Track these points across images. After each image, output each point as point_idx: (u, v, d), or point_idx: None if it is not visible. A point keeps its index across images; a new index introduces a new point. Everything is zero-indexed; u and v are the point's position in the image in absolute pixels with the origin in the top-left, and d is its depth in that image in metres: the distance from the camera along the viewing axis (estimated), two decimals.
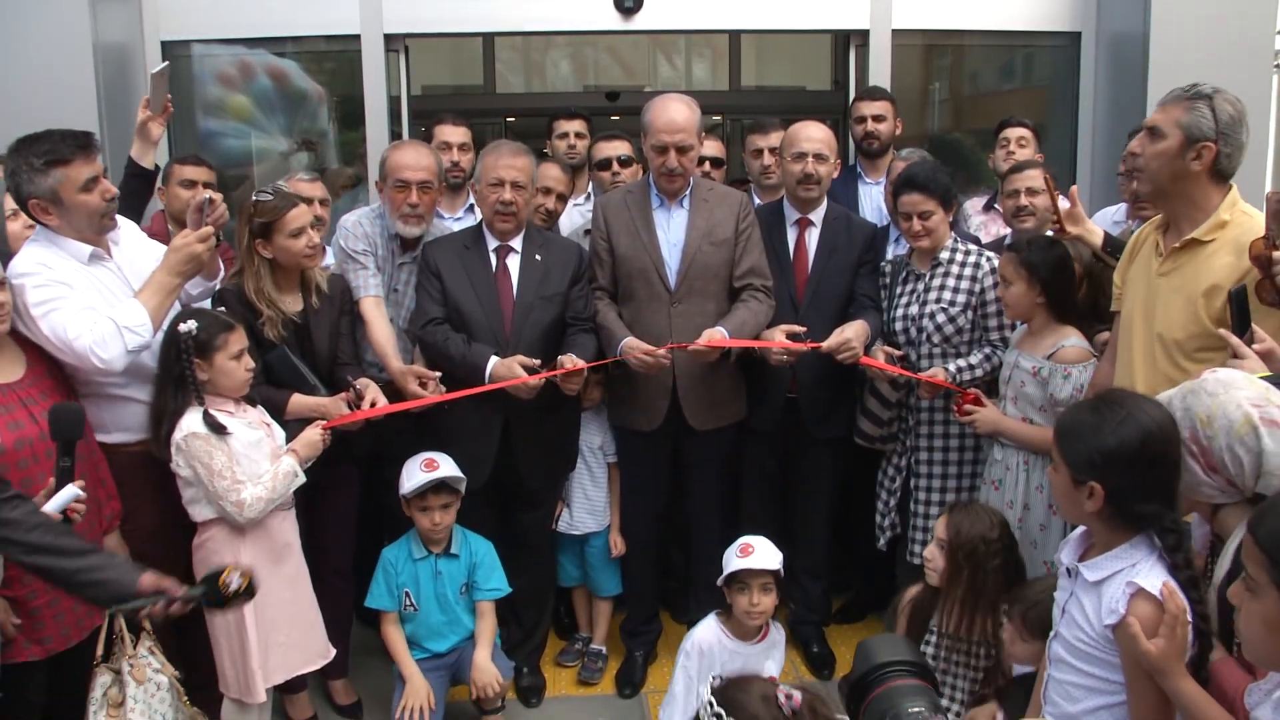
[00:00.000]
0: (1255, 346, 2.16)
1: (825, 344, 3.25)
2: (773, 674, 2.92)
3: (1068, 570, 2.02)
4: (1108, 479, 1.86)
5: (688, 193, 3.47)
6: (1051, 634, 2.06)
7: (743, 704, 2.06)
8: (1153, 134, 2.48)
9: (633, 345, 3.28)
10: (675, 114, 3.33)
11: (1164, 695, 1.80)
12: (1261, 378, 2.02)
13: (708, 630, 3.00)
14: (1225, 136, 2.42)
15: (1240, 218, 2.46)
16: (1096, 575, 1.92)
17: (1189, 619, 1.79)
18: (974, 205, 4.34)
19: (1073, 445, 1.93)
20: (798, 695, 2.04)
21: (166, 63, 3.50)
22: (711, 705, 2.10)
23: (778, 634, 3.07)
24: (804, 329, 3.32)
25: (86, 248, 2.77)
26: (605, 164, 4.07)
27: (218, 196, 2.89)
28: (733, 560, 2.92)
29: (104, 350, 2.62)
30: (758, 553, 2.91)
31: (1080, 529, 2.05)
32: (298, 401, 3.06)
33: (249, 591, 2.37)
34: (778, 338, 3.28)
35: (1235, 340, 2.19)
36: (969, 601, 2.70)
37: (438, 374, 3.23)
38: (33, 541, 2.14)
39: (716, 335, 3.23)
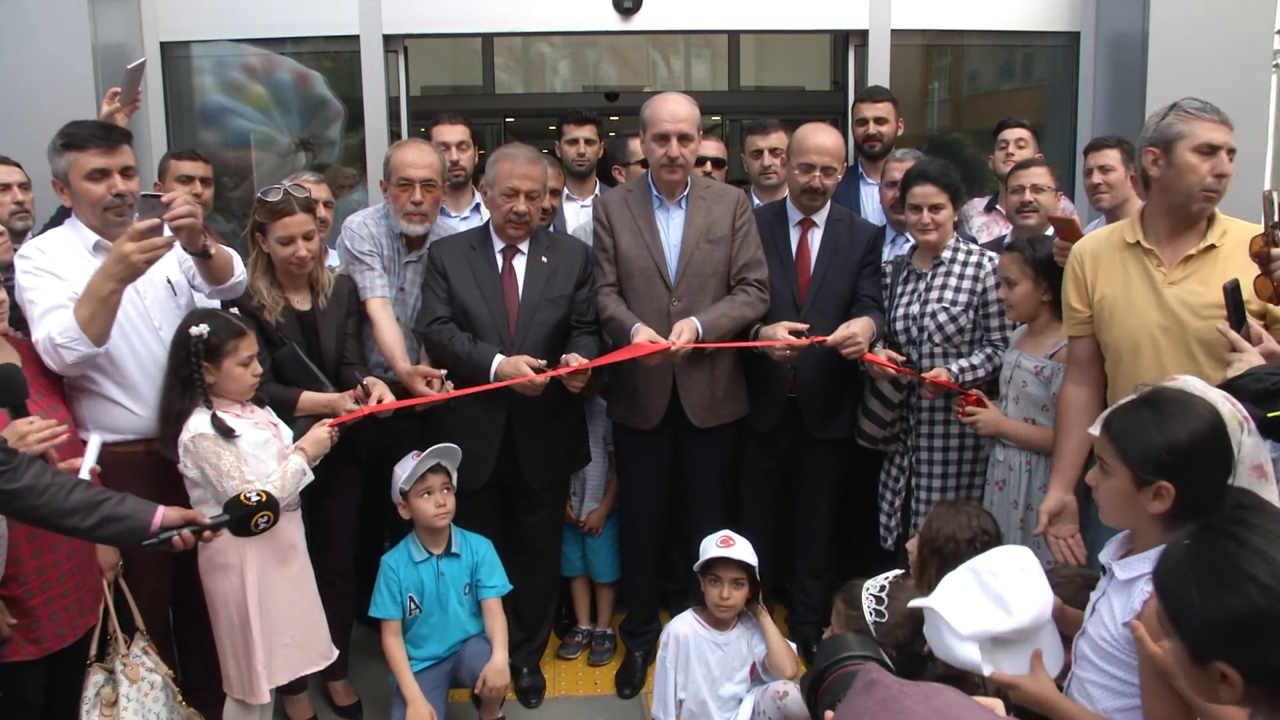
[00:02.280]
0: (1262, 342, 2.19)
1: (830, 338, 3.26)
2: (756, 660, 3.01)
3: (1103, 568, 2.00)
4: (1180, 475, 1.80)
5: (685, 193, 3.47)
6: (1079, 631, 2.04)
7: (899, 605, 2.29)
8: (1231, 154, 2.51)
9: (644, 331, 3.25)
10: (676, 106, 3.36)
11: (1180, 700, 1.78)
12: (1257, 370, 2.05)
13: (684, 622, 3.08)
14: None
15: (1230, 223, 2.55)
16: (1128, 574, 1.88)
17: None
18: (974, 206, 4.33)
19: (1136, 446, 1.85)
20: None
21: (143, 59, 3.50)
22: (884, 588, 2.36)
23: (750, 622, 3.07)
24: (806, 325, 3.32)
25: (94, 236, 2.79)
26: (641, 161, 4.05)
27: (172, 195, 2.65)
28: (711, 548, 2.98)
29: (46, 358, 2.64)
30: (736, 546, 2.96)
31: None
32: (308, 398, 3.07)
33: (270, 504, 2.43)
34: (780, 334, 3.28)
35: (1233, 335, 2.21)
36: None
37: (443, 372, 3.23)
38: (49, 505, 2.18)
39: (688, 331, 3.23)
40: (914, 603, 2.07)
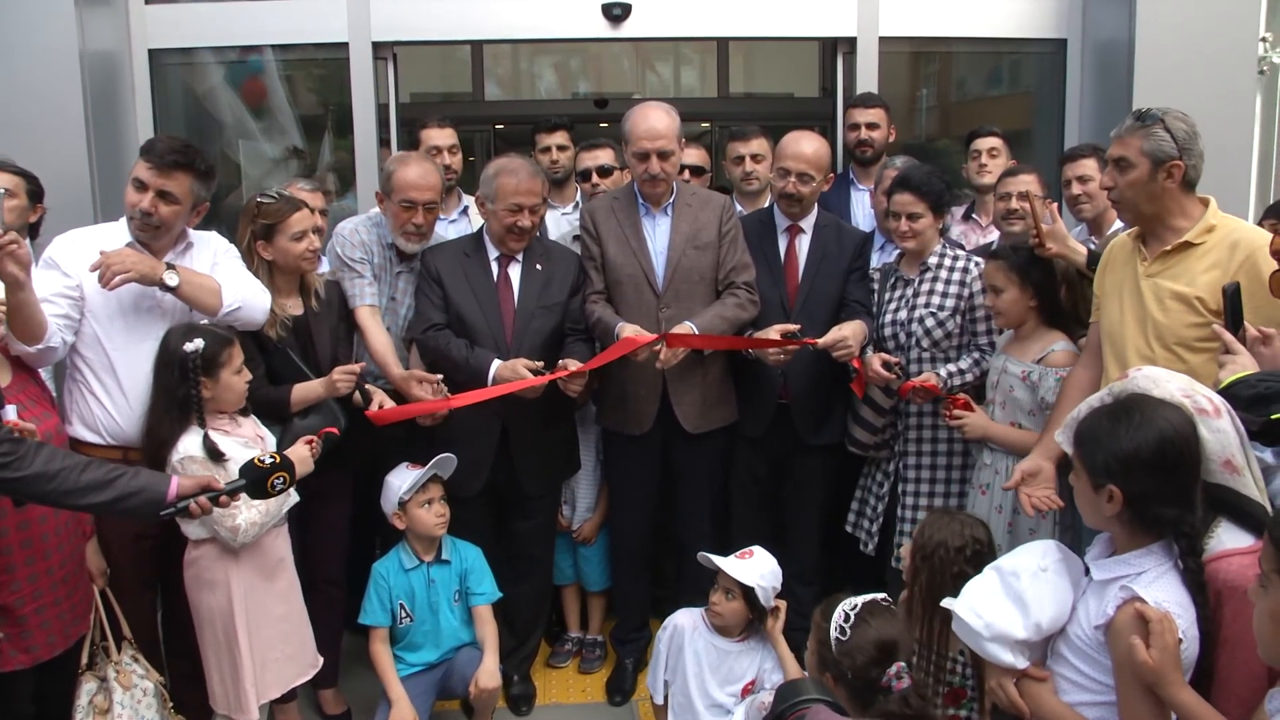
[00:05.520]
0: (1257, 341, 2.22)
1: (821, 340, 3.27)
2: (768, 684, 2.96)
3: (1086, 569, 2.03)
4: (1126, 483, 1.87)
5: (671, 200, 3.49)
6: (1059, 631, 2.06)
7: (865, 630, 2.23)
8: (1120, 166, 2.60)
9: (629, 327, 3.25)
10: (655, 121, 3.36)
11: (1156, 703, 1.80)
12: (1249, 376, 2.06)
13: (687, 614, 3.07)
14: (1187, 151, 2.56)
15: (1226, 222, 2.59)
16: (1103, 575, 1.93)
17: (1178, 628, 1.79)
18: (952, 215, 4.33)
19: (1091, 450, 1.93)
20: (907, 680, 2.13)
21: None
22: (855, 608, 2.27)
23: (760, 644, 3.03)
24: (798, 326, 3.32)
25: (128, 235, 2.88)
26: (585, 175, 4.10)
27: (102, 262, 2.67)
28: (727, 556, 2.94)
29: None
30: (745, 562, 2.92)
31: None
32: (299, 391, 3.07)
33: (285, 465, 2.45)
34: (772, 337, 3.28)
35: (1229, 336, 2.23)
36: (925, 605, 2.60)
37: (439, 376, 3.24)
38: (61, 489, 2.22)
39: (684, 331, 3.24)
40: (944, 603, 2.10)
